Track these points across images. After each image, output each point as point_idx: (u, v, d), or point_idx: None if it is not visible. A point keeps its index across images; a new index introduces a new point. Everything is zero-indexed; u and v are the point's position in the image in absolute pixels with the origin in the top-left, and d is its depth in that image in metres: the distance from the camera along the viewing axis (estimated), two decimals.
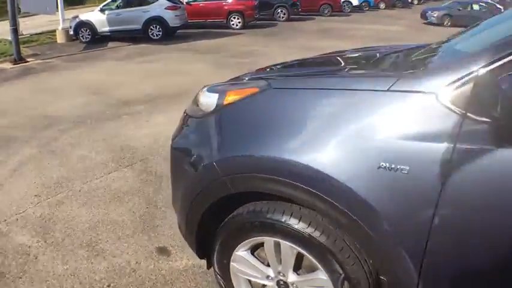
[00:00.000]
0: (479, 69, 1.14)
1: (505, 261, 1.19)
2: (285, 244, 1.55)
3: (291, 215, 1.50)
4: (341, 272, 1.43)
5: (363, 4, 24.98)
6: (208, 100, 1.76)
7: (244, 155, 1.54)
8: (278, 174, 1.44)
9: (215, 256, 1.78)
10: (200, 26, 15.27)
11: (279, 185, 1.46)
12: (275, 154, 1.43)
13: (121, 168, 3.68)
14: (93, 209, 3.00)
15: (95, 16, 12.97)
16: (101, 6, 13.45)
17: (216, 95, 1.74)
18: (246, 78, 1.89)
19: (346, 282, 1.43)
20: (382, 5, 26.37)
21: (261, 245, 1.64)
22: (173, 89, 6.38)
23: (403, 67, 1.78)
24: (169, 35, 13.08)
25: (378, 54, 2.27)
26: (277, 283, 1.68)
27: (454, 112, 1.16)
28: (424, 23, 18.64)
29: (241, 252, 1.68)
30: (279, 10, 18.46)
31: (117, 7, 13.20)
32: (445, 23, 18.31)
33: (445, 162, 1.16)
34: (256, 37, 13.53)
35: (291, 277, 1.62)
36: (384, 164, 1.23)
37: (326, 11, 21.41)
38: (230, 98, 1.69)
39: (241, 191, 1.60)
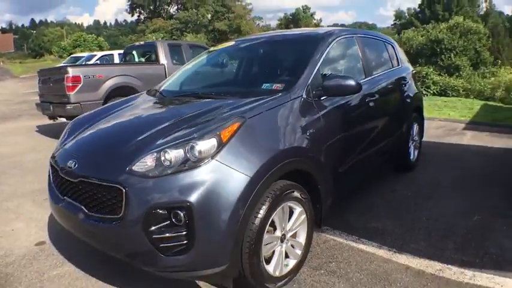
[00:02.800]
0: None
1: (352, 147, 3.65)
2: (287, 205, 2.73)
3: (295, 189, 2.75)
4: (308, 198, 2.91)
5: None
6: (209, 145, 2.37)
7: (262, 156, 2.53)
8: (298, 154, 2.86)
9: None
10: None
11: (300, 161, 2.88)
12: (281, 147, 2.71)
13: None
14: None
15: None
16: None
17: (213, 140, 2.39)
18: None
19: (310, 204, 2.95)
20: None
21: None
22: None
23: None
24: None
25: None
26: (281, 238, 2.77)
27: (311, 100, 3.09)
28: None
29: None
30: None
31: None
32: None
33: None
34: None
35: (288, 225, 2.80)
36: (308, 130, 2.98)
37: None
38: (223, 137, 2.42)
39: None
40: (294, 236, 2.91)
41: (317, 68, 3.39)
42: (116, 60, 14.21)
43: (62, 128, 9.07)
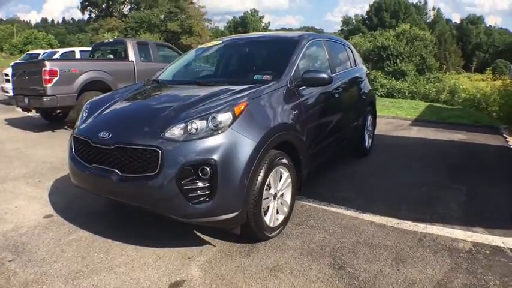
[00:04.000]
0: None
1: (325, 130, 4.54)
2: (278, 169, 3.44)
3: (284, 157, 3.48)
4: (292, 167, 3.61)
5: None
6: (226, 117, 3.07)
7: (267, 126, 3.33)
8: (286, 129, 3.58)
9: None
10: None
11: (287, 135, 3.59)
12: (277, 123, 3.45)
13: None
14: None
15: None
16: None
17: (229, 113, 3.09)
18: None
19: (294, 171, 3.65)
20: None
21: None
22: None
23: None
24: None
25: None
26: (274, 196, 3.50)
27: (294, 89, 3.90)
28: None
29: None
30: None
31: None
32: None
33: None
34: None
35: (279, 186, 3.53)
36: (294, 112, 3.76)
37: None
38: (236, 112, 3.13)
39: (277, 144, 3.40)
40: (282, 195, 3.61)
41: (296, 63, 4.17)
42: (78, 57, 14.38)
43: (30, 121, 9.58)
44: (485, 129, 9.51)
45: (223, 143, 3.01)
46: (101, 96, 4.37)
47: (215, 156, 2.95)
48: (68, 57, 14.54)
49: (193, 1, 54.96)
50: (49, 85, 7.97)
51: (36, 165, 5.94)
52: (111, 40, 12.12)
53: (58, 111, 8.93)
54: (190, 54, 5.44)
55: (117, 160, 3.20)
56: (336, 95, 4.88)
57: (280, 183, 3.55)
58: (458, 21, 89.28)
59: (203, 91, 3.77)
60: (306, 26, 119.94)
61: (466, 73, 41.90)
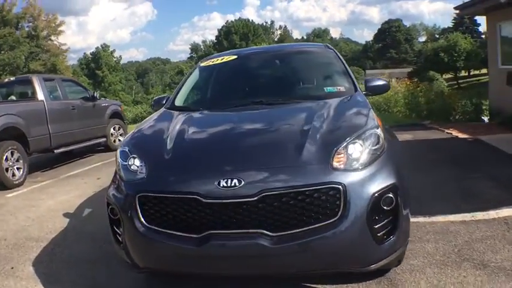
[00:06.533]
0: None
1: None
2: None
3: None
4: None
5: None
6: (380, 132, 2.73)
7: None
8: None
9: None
10: None
11: None
12: None
13: None
14: None
15: None
16: None
17: (379, 129, 2.75)
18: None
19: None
20: None
21: None
22: None
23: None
24: None
25: None
26: None
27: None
28: None
29: None
30: None
31: None
32: None
33: None
34: None
35: None
36: None
37: None
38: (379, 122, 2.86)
39: None
40: None
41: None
42: None
43: None
44: (413, 127, 10.60)
45: (392, 162, 2.68)
46: (139, 133, 3.44)
47: (395, 181, 2.53)
48: None
49: (52, 38, 51.67)
50: None
51: None
52: (12, 78, 10.59)
53: None
54: (200, 76, 4.69)
55: (263, 216, 2.39)
56: None
57: None
58: (300, 37, 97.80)
59: (293, 111, 3.44)
60: (152, 57, 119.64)
61: None
